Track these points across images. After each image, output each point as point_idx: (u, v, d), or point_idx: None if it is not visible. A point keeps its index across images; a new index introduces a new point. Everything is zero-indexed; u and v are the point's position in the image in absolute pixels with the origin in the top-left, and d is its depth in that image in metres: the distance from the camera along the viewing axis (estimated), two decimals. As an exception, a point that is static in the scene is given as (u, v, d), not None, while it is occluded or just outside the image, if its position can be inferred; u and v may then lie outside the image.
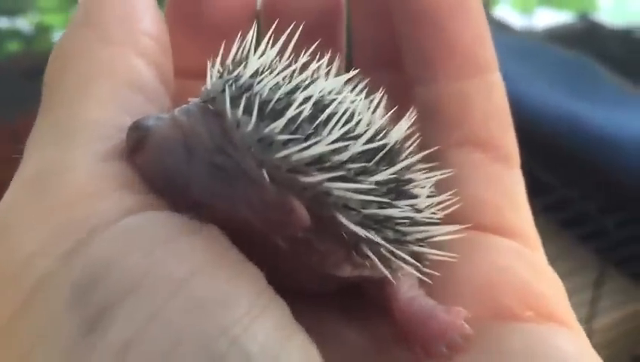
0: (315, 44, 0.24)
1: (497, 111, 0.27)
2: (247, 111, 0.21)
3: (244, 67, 0.23)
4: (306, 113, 0.22)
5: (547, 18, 1.43)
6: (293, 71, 0.23)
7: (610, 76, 0.95)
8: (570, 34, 1.26)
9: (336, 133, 0.22)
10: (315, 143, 0.21)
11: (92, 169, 0.20)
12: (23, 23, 1.12)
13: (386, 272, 0.23)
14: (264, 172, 0.21)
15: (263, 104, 0.22)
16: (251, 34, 0.24)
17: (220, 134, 0.22)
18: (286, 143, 0.21)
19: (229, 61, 0.24)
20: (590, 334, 0.73)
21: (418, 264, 0.24)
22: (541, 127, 0.83)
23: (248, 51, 0.24)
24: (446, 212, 0.25)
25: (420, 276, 0.24)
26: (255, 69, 0.23)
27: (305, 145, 0.21)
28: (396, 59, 0.29)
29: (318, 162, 0.21)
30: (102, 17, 0.23)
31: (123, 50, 0.23)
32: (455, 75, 0.27)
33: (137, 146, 0.21)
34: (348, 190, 0.21)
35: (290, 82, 0.23)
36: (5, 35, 1.10)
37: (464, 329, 0.22)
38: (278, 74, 0.23)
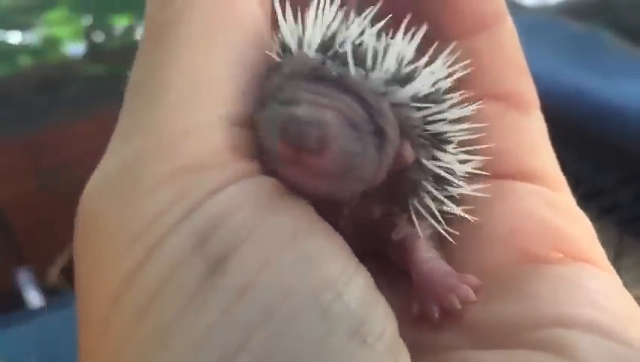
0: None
1: (509, 60, 0.28)
2: (360, 63, 0.22)
3: (319, 29, 0.23)
4: (406, 54, 0.23)
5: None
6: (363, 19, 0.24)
7: (623, 47, 0.93)
8: (583, 7, 1.24)
9: (439, 72, 0.23)
10: (425, 79, 0.23)
11: (217, 136, 0.20)
12: (33, 37, 1.14)
13: (419, 229, 0.23)
14: (391, 114, 0.22)
15: (367, 52, 0.22)
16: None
17: (358, 99, 0.21)
18: (405, 82, 0.22)
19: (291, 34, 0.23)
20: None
21: (443, 220, 0.24)
22: (552, 103, 0.81)
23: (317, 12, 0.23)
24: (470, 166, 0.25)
25: (444, 233, 0.24)
26: (331, 26, 0.23)
27: (420, 81, 0.22)
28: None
29: (426, 99, 0.22)
30: None
31: None
32: (462, 33, 0.27)
33: (319, 147, 0.20)
34: (443, 130, 0.23)
35: (367, 29, 0.23)
36: (15, 49, 1.12)
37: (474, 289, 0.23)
38: (350, 25, 0.23)
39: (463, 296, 0.22)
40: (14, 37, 1.13)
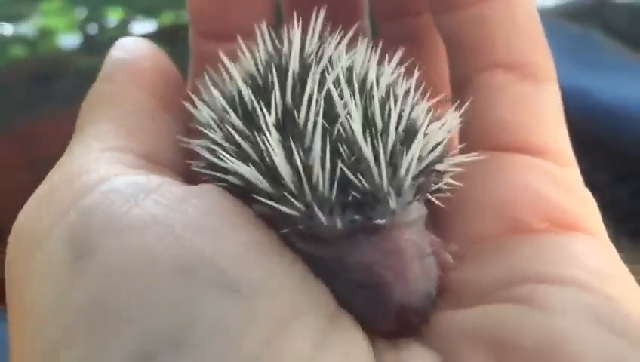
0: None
1: (523, 30, 0.27)
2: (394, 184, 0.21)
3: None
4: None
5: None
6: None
7: (617, 47, 0.93)
8: (579, 10, 1.24)
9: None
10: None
11: (104, 164, 0.23)
12: (27, 28, 1.13)
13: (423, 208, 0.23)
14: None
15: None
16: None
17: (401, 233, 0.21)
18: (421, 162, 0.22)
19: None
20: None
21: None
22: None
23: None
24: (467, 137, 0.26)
25: (436, 201, 0.24)
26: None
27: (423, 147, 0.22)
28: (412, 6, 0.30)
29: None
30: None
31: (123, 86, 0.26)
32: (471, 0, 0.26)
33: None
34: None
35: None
36: (9, 40, 1.12)
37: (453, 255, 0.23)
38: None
39: (442, 263, 0.22)
40: (8, 28, 1.12)
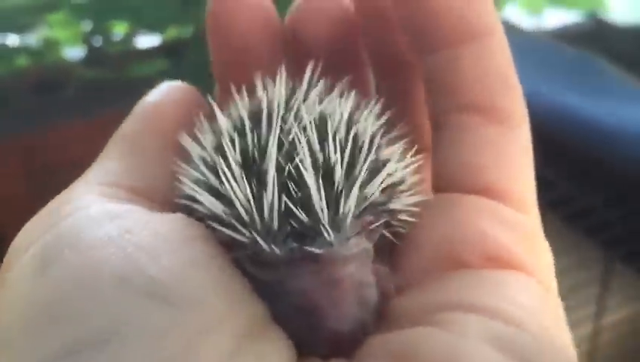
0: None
1: (495, 73, 0.27)
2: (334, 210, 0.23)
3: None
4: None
5: (556, 18, 1.42)
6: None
7: (616, 71, 0.94)
8: (579, 33, 1.25)
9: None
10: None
11: (89, 189, 0.25)
12: (32, 38, 1.14)
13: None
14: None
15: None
16: None
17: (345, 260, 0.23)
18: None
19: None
20: (599, 331, 0.72)
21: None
22: (545, 122, 0.83)
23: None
24: (417, 178, 0.27)
25: (389, 236, 0.25)
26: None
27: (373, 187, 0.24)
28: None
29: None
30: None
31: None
32: (445, 43, 0.27)
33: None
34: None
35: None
36: (14, 50, 1.13)
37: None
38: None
39: (384, 292, 0.24)
40: (13, 38, 1.13)
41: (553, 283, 0.25)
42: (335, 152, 0.23)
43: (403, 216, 0.25)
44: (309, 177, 0.22)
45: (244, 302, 0.22)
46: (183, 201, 0.25)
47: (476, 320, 0.21)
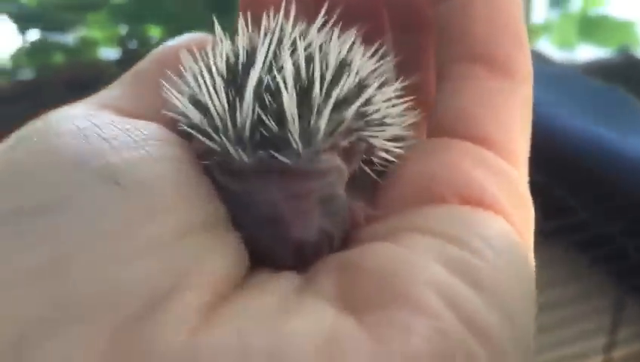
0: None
1: (505, 26, 0.27)
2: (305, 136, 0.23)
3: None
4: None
5: (588, 53, 1.42)
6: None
7: (643, 107, 0.93)
8: (610, 68, 1.25)
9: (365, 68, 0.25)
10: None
11: (86, 106, 0.26)
12: (70, 37, 1.18)
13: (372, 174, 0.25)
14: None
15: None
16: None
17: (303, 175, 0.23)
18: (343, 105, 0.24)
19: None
20: (608, 364, 0.70)
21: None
22: (572, 152, 0.83)
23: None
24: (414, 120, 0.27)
25: (371, 173, 0.25)
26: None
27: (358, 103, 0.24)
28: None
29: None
30: None
31: None
32: None
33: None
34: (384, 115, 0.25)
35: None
36: (52, 47, 1.16)
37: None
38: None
39: (354, 220, 0.24)
40: (52, 35, 1.17)
41: (530, 239, 0.24)
42: (319, 71, 0.23)
43: (384, 154, 0.25)
44: (284, 87, 0.22)
45: (199, 199, 0.22)
46: (169, 113, 0.25)
47: (431, 240, 0.21)
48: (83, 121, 0.23)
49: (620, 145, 0.82)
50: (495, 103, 0.26)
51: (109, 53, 1.21)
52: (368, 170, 0.25)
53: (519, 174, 0.25)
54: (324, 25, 0.27)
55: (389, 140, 0.25)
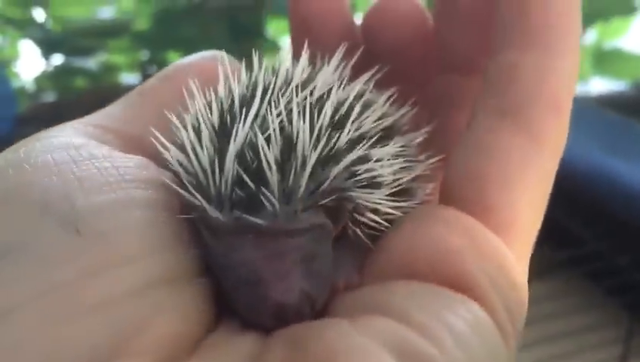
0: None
1: (543, 93, 0.24)
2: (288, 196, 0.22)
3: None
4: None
5: (601, 85, 1.42)
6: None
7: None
8: (623, 100, 1.25)
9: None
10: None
11: (77, 127, 0.25)
12: (93, 62, 1.21)
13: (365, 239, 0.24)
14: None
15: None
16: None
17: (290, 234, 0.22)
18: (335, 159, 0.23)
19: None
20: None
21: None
22: (584, 184, 0.83)
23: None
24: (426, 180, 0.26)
25: (368, 243, 0.24)
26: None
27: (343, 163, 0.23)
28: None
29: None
30: None
31: None
32: (510, 44, 0.25)
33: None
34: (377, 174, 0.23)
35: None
36: (74, 71, 1.19)
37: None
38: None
39: (334, 287, 0.23)
40: (75, 60, 1.20)
41: (513, 326, 0.22)
42: (303, 124, 0.22)
43: (372, 215, 0.24)
44: (264, 146, 0.21)
45: (162, 250, 0.21)
46: (164, 152, 0.24)
47: (390, 324, 0.20)
48: (61, 154, 0.22)
49: (632, 178, 0.82)
50: (509, 161, 0.24)
51: (130, 78, 1.24)
52: (359, 232, 0.24)
53: (517, 253, 0.24)
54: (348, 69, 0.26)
55: (382, 200, 0.24)
